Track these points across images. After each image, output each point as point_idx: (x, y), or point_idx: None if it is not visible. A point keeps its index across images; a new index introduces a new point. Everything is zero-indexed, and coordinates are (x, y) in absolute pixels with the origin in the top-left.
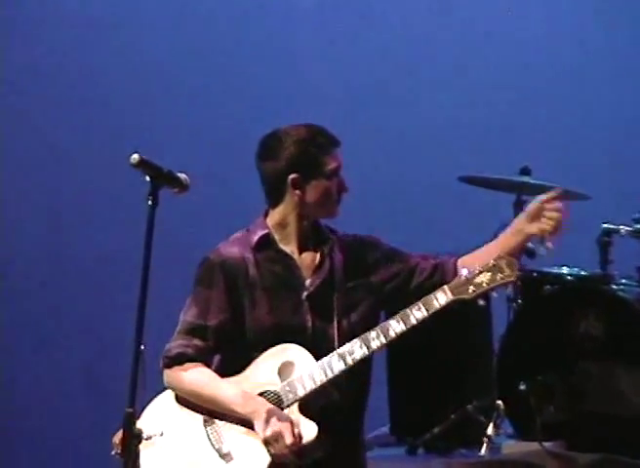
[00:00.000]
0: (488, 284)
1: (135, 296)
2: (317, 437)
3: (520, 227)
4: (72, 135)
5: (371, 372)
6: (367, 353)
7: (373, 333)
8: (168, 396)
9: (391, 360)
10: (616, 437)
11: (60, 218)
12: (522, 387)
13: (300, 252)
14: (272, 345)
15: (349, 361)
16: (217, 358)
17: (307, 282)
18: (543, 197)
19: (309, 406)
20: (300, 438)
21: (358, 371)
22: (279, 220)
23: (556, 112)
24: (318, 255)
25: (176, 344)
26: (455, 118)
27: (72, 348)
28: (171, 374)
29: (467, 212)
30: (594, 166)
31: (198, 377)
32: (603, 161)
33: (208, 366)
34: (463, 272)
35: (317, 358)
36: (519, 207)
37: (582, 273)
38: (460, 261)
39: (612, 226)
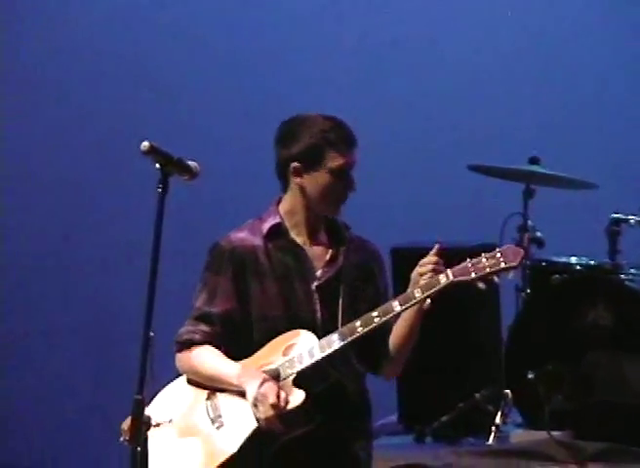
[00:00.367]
0: (490, 267)
1: (144, 283)
2: (305, 407)
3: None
4: (81, 123)
5: (373, 357)
6: (366, 331)
7: (374, 313)
8: (179, 382)
9: None
10: (623, 426)
11: (68, 207)
12: (530, 376)
13: (312, 243)
14: (281, 334)
15: (348, 338)
16: (226, 345)
17: (318, 273)
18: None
19: (308, 388)
20: (287, 402)
21: (358, 353)
22: (289, 208)
23: (565, 101)
24: (331, 249)
25: (185, 330)
26: (464, 107)
27: (81, 335)
28: (180, 358)
29: (476, 200)
30: (603, 155)
31: (202, 357)
32: (612, 150)
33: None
34: (468, 259)
35: None
36: (528, 196)
37: (591, 263)
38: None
39: (621, 216)
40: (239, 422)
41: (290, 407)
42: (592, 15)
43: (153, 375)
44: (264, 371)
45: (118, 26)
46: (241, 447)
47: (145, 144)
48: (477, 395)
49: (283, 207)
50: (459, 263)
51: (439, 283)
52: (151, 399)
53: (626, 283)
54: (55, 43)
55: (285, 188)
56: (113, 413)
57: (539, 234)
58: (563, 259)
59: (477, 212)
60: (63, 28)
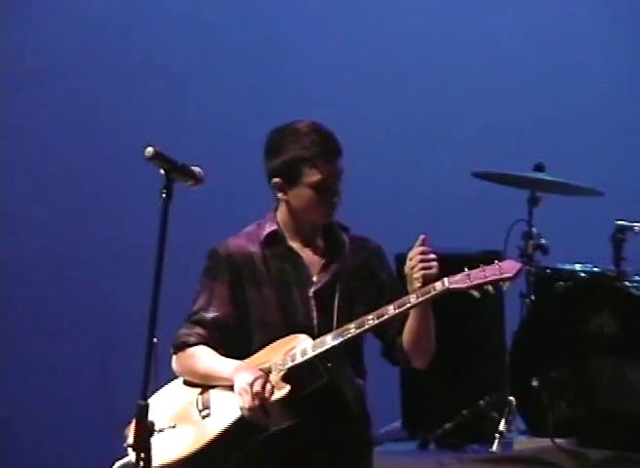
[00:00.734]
0: (486, 277)
1: (149, 289)
2: (291, 401)
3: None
4: (86, 126)
5: (362, 359)
6: (358, 332)
7: (369, 316)
8: (174, 383)
9: None
10: (628, 433)
11: (74, 210)
12: (534, 383)
13: (308, 249)
14: (280, 338)
15: (340, 339)
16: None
17: (315, 278)
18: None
19: (299, 385)
20: (271, 394)
21: (351, 356)
22: (282, 217)
23: (571, 108)
24: (327, 254)
25: (181, 333)
26: (469, 114)
27: (86, 337)
28: (176, 360)
29: (481, 207)
30: (608, 162)
31: (197, 356)
32: (617, 158)
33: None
34: (466, 269)
35: None
36: (533, 203)
37: (596, 270)
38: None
39: (625, 223)
40: (224, 412)
41: (274, 398)
42: (600, 21)
43: (156, 380)
44: (259, 369)
45: (125, 22)
46: (221, 434)
47: (150, 150)
48: (481, 402)
49: (280, 213)
50: (460, 271)
51: (434, 289)
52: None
53: (631, 290)
54: (62, 43)
55: (276, 197)
56: (117, 415)
57: (543, 241)
58: (567, 266)
59: (482, 219)
60: (70, 27)
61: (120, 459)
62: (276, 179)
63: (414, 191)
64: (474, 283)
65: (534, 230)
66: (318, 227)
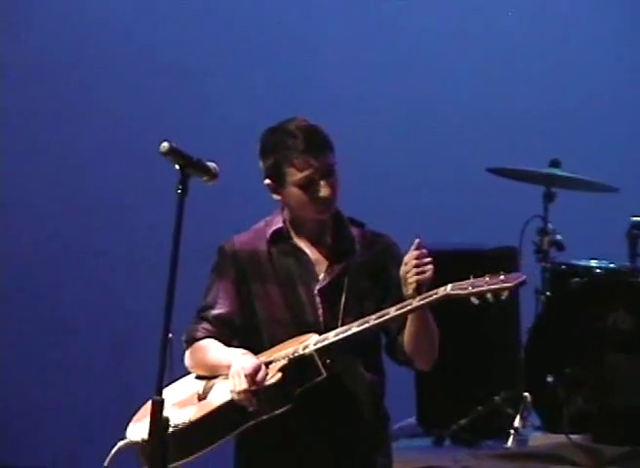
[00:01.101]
0: (486, 284)
1: (164, 284)
2: (283, 390)
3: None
4: (99, 122)
5: (377, 357)
6: (360, 330)
7: (372, 316)
8: (185, 378)
9: None
10: None
11: (90, 204)
12: (549, 379)
13: (315, 246)
14: (287, 339)
15: (341, 335)
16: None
17: (321, 276)
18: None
19: (299, 379)
20: (263, 379)
21: (364, 353)
22: (289, 214)
23: (586, 104)
24: (335, 251)
25: (189, 328)
26: (484, 110)
27: (100, 336)
28: (187, 355)
29: (496, 203)
30: (624, 158)
31: (205, 348)
32: (633, 153)
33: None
34: (472, 276)
35: None
36: (548, 199)
37: (611, 266)
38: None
39: None
40: (218, 396)
41: (265, 383)
42: (615, 16)
43: (172, 376)
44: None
45: (135, 18)
46: (207, 415)
47: (165, 145)
48: (496, 398)
49: (285, 212)
50: (467, 278)
51: (436, 294)
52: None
53: None
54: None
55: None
56: (131, 410)
57: (559, 237)
58: (583, 263)
59: (497, 215)
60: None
61: (122, 440)
62: (267, 181)
63: (429, 187)
64: (474, 290)
65: (549, 226)
66: (325, 224)
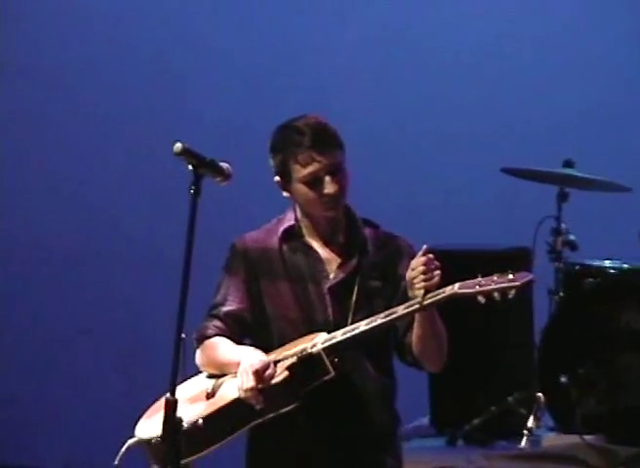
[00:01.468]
0: (493, 283)
1: (177, 283)
2: (289, 389)
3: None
4: (113, 122)
5: (387, 358)
6: (368, 328)
7: (381, 314)
8: (197, 377)
9: None
10: None
11: (101, 205)
12: (563, 380)
13: (326, 245)
14: (297, 338)
15: (349, 334)
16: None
17: (331, 275)
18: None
19: (306, 378)
20: (270, 377)
21: (373, 353)
22: (300, 212)
23: (600, 105)
24: (347, 250)
25: (200, 326)
26: (498, 110)
27: (112, 337)
28: (198, 354)
29: (510, 203)
30: (637, 158)
31: (215, 346)
32: None
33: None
34: (479, 276)
35: None
36: (562, 199)
37: (625, 266)
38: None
39: None
40: (226, 393)
41: (271, 381)
42: (631, 16)
43: (184, 376)
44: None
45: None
46: (214, 413)
47: (178, 146)
48: (509, 398)
49: (297, 210)
50: (475, 277)
51: (443, 292)
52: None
53: None
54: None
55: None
56: (143, 412)
57: (572, 237)
58: (596, 263)
59: (511, 215)
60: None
61: (132, 438)
62: (276, 178)
63: (443, 187)
64: (481, 289)
65: (563, 226)
66: (337, 222)
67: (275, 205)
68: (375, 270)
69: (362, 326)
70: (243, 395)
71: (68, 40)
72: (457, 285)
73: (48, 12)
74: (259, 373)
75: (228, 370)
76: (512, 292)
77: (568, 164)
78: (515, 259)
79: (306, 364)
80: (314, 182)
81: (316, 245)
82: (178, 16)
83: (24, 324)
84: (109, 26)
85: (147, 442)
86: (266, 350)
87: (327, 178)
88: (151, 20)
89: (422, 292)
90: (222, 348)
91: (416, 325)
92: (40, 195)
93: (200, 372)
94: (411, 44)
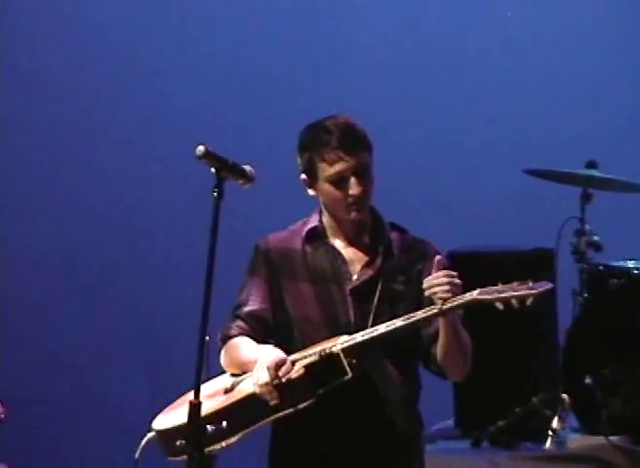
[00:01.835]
0: (512, 290)
1: (200, 286)
2: (305, 386)
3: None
4: (134, 126)
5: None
6: (387, 331)
7: (400, 318)
8: (221, 377)
9: None
10: None
11: (122, 209)
12: (588, 381)
13: (351, 247)
14: (319, 339)
15: (368, 335)
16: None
17: (354, 277)
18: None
19: (323, 379)
20: (285, 373)
21: (395, 358)
22: (326, 213)
23: (623, 105)
24: (371, 253)
25: (224, 327)
26: (521, 111)
27: (135, 339)
28: (222, 354)
29: (533, 204)
30: None
31: (238, 346)
32: None
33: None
34: (500, 283)
35: None
36: (585, 200)
37: None
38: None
39: None
40: (243, 389)
41: (285, 377)
42: None
43: (208, 378)
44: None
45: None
46: (228, 407)
47: (201, 149)
48: (534, 400)
49: (323, 212)
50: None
51: (462, 299)
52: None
53: None
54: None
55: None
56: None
57: (596, 238)
58: (620, 263)
59: (534, 216)
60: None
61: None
62: (303, 176)
63: (466, 189)
64: (500, 296)
65: (586, 227)
66: (362, 225)
67: (297, 209)
68: (399, 274)
69: (382, 328)
70: (258, 390)
71: (71, 44)
72: (476, 291)
73: (49, 12)
74: (274, 369)
75: (248, 369)
76: (530, 299)
77: (591, 165)
78: (539, 261)
79: (325, 363)
80: (339, 182)
81: (340, 246)
82: (182, 17)
83: (46, 328)
84: (112, 28)
85: (164, 432)
86: (289, 351)
87: (352, 179)
88: (159, 24)
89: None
90: (243, 347)
91: (440, 333)
92: (58, 199)
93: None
94: (432, 44)
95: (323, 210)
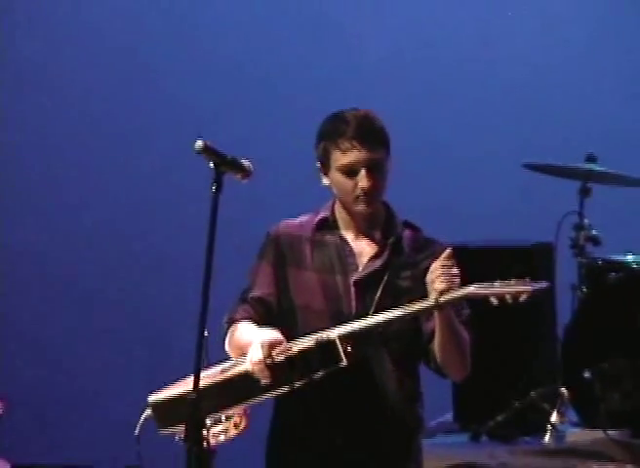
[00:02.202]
0: (507, 287)
1: (199, 282)
2: (297, 368)
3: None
4: (132, 123)
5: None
6: (379, 321)
7: (397, 309)
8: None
9: None
10: None
11: (121, 204)
12: (586, 375)
13: (361, 239)
14: (321, 328)
15: (364, 324)
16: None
17: (360, 268)
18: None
19: (318, 364)
20: (280, 353)
21: (396, 354)
22: (338, 204)
23: (622, 99)
24: (380, 246)
25: (230, 310)
26: (520, 105)
27: (135, 335)
28: (227, 339)
29: (532, 199)
30: None
31: (241, 328)
32: None
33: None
34: (498, 280)
35: None
36: (584, 194)
37: None
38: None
39: None
40: (239, 368)
41: (279, 358)
42: None
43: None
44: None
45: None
46: (220, 382)
47: (199, 143)
48: (533, 394)
49: (336, 203)
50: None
51: (458, 292)
52: None
53: None
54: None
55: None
56: None
57: (595, 232)
58: (619, 258)
59: (533, 210)
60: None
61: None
62: (317, 164)
63: (465, 184)
64: (495, 291)
65: (585, 221)
66: (374, 219)
67: (298, 204)
68: (406, 270)
69: (378, 317)
70: (250, 368)
71: (71, 43)
72: (472, 286)
73: (50, 12)
74: (268, 347)
75: (247, 351)
76: (524, 296)
77: (590, 159)
78: (538, 255)
79: (321, 349)
80: (350, 172)
81: (350, 238)
82: (185, 18)
83: (45, 325)
84: (112, 26)
85: (158, 405)
86: (292, 339)
87: (363, 172)
88: (159, 22)
89: (438, 295)
90: (245, 330)
91: (437, 330)
92: (58, 198)
93: None
94: (432, 41)
95: (337, 201)
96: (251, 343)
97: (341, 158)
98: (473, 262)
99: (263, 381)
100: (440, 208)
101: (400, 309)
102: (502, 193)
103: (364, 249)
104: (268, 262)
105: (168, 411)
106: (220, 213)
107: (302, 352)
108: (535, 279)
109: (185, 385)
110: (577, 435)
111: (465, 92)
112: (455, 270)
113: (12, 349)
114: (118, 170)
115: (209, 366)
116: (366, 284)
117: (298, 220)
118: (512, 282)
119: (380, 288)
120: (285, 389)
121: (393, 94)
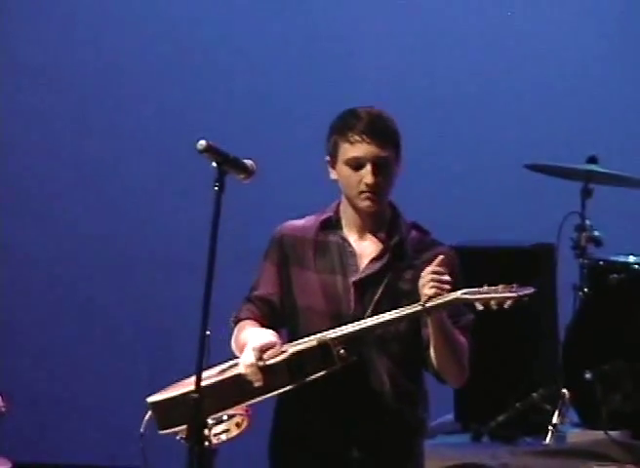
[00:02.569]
0: (494, 292)
1: (201, 281)
2: (289, 369)
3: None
4: (135, 122)
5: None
6: (374, 323)
7: (389, 313)
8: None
9: None
10: None
11: (127, 208)
12: (588, 376)
13: (364, 240)
14: (322, 329)
15: (357, 327)
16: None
17: (360, 269)
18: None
19: (312, 367)
20: (272, 356)
21: (394, 355)
22: (344, 205)
23: (624, 100)
24: (383, 248)
25: (237, 310)
26: (522, 105)
27: (138, 334)
28: (233, 338)
29: (534, 199)
30: None
31: (243, 328)
32: None
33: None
34: (486, 285)
35: None
36: (586, 195)
37: None
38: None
39: None
40: (234, 370)
41: (272, 360)
42: None
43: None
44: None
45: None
46: (214, 384)
47: (202, 143)
48: (534, 394)
49: (341, 204)
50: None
51: (446, 298)
52: None
53: None
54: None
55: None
56: None
57: (596, 233)
58: (621, 259)
59: (535, 211)
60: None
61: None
62: (327, 157)
63: (467, 184)
64: (481, 296)
65: (587, 222)
66: (379, 220)
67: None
68: (409, 272)
69: (370, 321)
70: (243, 370)
71: (77, 41)
72: (460, 291)
73: (51, 11)
74: (259, 351)
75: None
76: (509, 302)
77: (592, 160)
78: (540, 256)
79: (315, 352)
80: (357, 166)
81: (353, 238)
82: (185, 18)
83: (51, 325)
84: (111, 24)
85: (158, 404)
86: (294, 339)
87: (369, 167)
88: (159, 21)
89: (426, 299)
90: (247, 330)
91: (431, 336)
92: (58, 198)
93: None
94: (434, 39)
95: (343, 200)
96: (248, 343)
97: (349, 150)
98: (475, 263)
99: (256, 384)
100: (442, 208)
101: (390, 313)
102: (504, 194)
103: (366, 249)
104: (272, 262)
105: (167, 412)
106: (223, 213)
107: (296, 354)
108: (535, 279)
109: (184, 386)
110: (578, 436)
111: (467, 92)
112: (446, 277)
113: (13, 349)
114: (120, 171)
115: (210, 366)
116: (365, 285)
117: (302, 221)
118: (499, 287)
119: (380, 289)
120: (281, 390)
121: (393, 94)
